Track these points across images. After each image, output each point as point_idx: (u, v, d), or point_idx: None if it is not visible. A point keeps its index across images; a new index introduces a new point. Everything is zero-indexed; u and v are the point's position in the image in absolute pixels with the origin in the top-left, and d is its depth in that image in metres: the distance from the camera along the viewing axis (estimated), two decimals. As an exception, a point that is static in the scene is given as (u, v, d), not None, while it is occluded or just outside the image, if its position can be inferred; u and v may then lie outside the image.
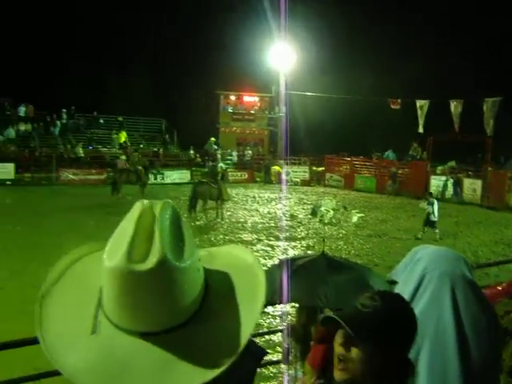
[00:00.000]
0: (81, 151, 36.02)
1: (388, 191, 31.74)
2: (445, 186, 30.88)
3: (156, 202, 1.34)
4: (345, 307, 4.07)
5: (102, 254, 1.30)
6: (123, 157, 29.74)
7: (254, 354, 1.57)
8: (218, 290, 1.38)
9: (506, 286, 4.98)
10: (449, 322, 2.22)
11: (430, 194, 22.78)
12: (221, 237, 18.12)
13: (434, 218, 19.32)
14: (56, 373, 3.98)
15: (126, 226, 1.29)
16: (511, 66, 40.76)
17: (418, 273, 2.35)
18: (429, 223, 19.36)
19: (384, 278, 4.58)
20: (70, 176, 33.06)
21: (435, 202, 19.80)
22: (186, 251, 1.29)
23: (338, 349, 1.73)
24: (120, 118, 41.92)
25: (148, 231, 1.27)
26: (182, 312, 1.29)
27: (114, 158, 35.45)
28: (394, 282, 2.59)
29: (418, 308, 2.27)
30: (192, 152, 40.20)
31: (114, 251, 1.26)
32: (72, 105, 40.50)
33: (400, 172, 35.12)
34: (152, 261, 1.23)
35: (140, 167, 27.05)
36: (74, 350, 1.28)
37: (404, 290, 2.37)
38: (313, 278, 4.42)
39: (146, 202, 1.34)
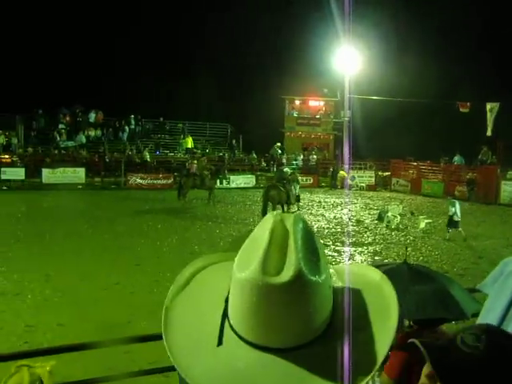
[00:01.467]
0: (148, 156, 36.69)
1: (469, 198, 30.87)
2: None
3: (287, 215, 1.32)
4: (425, 318, 4.03)
5: (229, 265, 1.31)
6: (195, 161, 30.13)
7: None
8: (347, 307, 1.35)
9: None
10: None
11: (453, 195, 23.27)
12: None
13: (458, 218, 19.73)
14: (129, 374, 4.05)
15: (259, 238, 1.28)
16: None
17: (510, 287, 2.28)
18: (452, 224, 19.79)
19: (464, 288, 4.49)
20: (138, 180, 33.75)
21: (457, 202, 20.14)
22: (319, 266, 1.28)
23: (424, 379, 1.58)
24: (180, 124, 42.49)
25: (281, 244, 1.25)
26: (313, 329, 1.27)
27: (181, 162, 36.00)
28: (475, 291, 2.50)
29: (511, 325, 2.21)
30: (255, 156, 40.40)
31: (246, 262, 1.26)
32: (140, 111, 41.34)
33: (468, 177, 34.35)
34: (288, 274, 1.21)
35: (206, 172, 27.29)
36: (199, 360, 1.28)
37: (496, 305, 2.31)
38: (394, 286, 4.34)
39: (277, 213, 1.33)
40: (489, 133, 34.63)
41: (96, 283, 11.99)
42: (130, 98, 42.26)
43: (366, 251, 16.97)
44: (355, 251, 16.92)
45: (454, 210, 19.76)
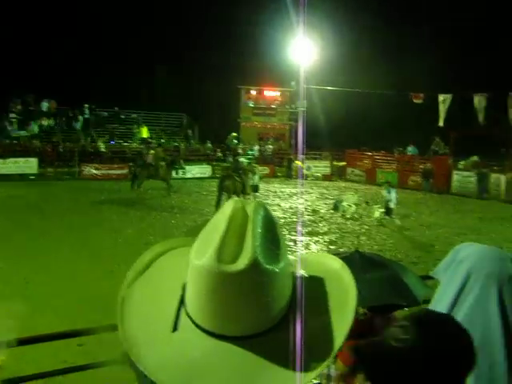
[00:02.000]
0: (102, 146, 36.23)
1: (425, 188, 31.25)
2: (468, 181, 30.63)
3: (249, 202, 1.32)
4: (378, 304, 4.08)
5: (187, 251, 1.29)
6: (152, 151, 29.86)
7: None
8: (307, 295, 1.34)
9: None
10: (496, 325, 2.17)
11: (388, 182, 23.49)
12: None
13: (393, 205, 20.50)
14: (84, 367, 4.01)
15: (217, 224, 1.27)
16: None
17: (462, 273, 2.30)
18: (387, 210, 20.49)
19: (417, 275, 4.57)
20: (93, 171, 33.30)
21: (393, 190, 20.89)
22: (278, 255, 1.27)
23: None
24: (134, 115, 42.02)
25: (239, 231, 1.24)
26: (270, 317, 1.27)
27: (136, 152, 35.68)
28: (428, 278, 2.53)
29: (462, 311, 2.23)
30: (210, 146, 40.29)
31: (202, 249, 1.24)
32: (94, 100, 40.73)
33: (421, 167, 34.91)
34: (243, 262, 1.20)
35: (162, 163, 27.05)
36: (154, 346, 1.26)
37: (447, 291, 2.33)
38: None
39: (238, 200, 1.32)
40: (441, 123, 35.18)
41: (49, 275, 11.82)
42: (83, 87, 41.56)
43: (321, 240, 17.11)
44: (311, 240, 17.04)
45: (390, 196, 20.45)
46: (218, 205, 21.13)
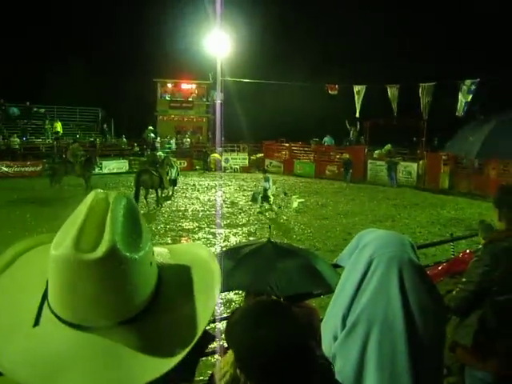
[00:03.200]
0: (15, 142, 35.03)
1: (347, 180, 31.54)
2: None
3: (111, 193, 1.30)
4: (292, 293, 4.12)
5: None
6: (70, 147, 29.10)
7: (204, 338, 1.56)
8: (174, 284, 1.36)
9: (446, 265, 5.13)
10: (397, 306, 2.24)
11: (265, 170, 24.55)
12: (161, 226, 17.95)
13: (270, 193, 21.25)
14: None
15: (77, 215, 1.25)
16: (444, 51, 41.71)
17: (365, 258, 2.36)
18: (265, 198, 21.12)
19: (329, 262, 4.64)
20: (4, 168, 32.12)
21: (270, 178, 21.72)
22: (138, 243, 1.26)
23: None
24: (42, 110, 40.78)
25: (99, 220, 1.22)
26: (132, 306, 1.25)
27: (50, 148, 34.77)
28: (338, 266, 2.60)
29: (365, 295, 2.30)
30: (125, 140, 39.73)
31: (61, 240, 1.21)
32: (3, 94, 39.30)
33: (338, 157, 35.61)
34: (101, 250, 1.18)
35: (80, 159, 26.36)
36: (12, 343, 1.21)
37: (351, 276, 2.38)
38: (261, 264, 4.40)
39: (100, 191, 1.31)
40: (357, 114, 35.88)
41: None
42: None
43: (240, 232, 17.18)
44: (230, 233, 17.08)
45: (267, 185, 21.09)
46: (136, 200, 20.84)
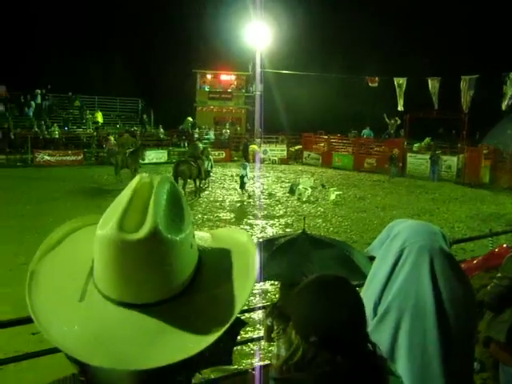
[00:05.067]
0: (56, 132, 35.61)
1: (391, 175, 30.86)
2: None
3: (155, 176, 1.34)
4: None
5: None
6: (112, 137, 29.28)
7: (237, 322, 1.61)
8: (213, 266, 1.41)
9: (481, 259, 5.08)
10: (428, 295, 2.26)
11: (245, 157, 25.04)
12: (199, 216, 18.10)
13: (247, 180, 22.36)
14: (36, 354, 3.95)
15: (122, 198, 1.30)
16: (487, 44, 41.01)
17: (396, 247, 2.38)
18: (242, 184, 22.23)
19: (364, 254, 4.65)
20: (46, 157, 32.68)
21: (248, 165, 22.61)
22: (180, 226, 1.30)
23: None
24: (77, 102, 41.01)
25: (144, 203, 1.27)
26: (173, 285, 1.30)
27: (90, 138, 35.26)
28: (373, 258, 2.62)
29: (396, 283, 2.32)
30: (162, 130, 40.05)
31: (107, 220, 1.27)
32: (46, 85, 39.97)
33: (376, 149, 35.37)
34: (143, 231, 1.23)
35: (128, 150, 26.25)
36: (60, 316, 1.28)
37: (382, 265, 2.41)
38: (296, 255, 4.46)
39: (145, 175, 1.35)
40: (400, 107, 35.48)
41: (2, 264, 11.68)
42: (35, 71, 40.76)
43: (277, 223, 17.24)
44: (267, 224, 17.15)
45: (244, 172, 21.89)
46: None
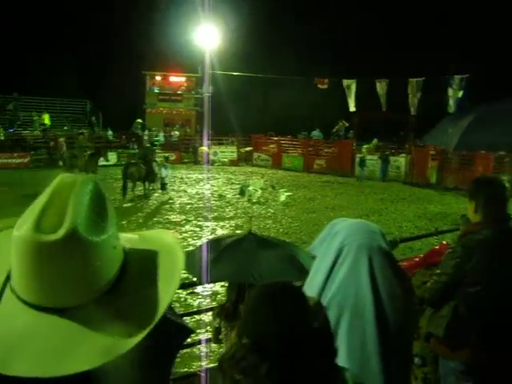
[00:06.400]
0: (1, 134, 34.72)
1: (359, 177, 31.06)
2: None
3: (78, 176, 1.32)
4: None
5: None
6: (62, 139, 28.62)
7: (181, 331, 1.59)
8: (139, 267, 1.39)
9: (422, 257, 5.19)
10: (366, 292, 2.29)
11: (166, 158, 24.89)
12: (149, 218, 17.97)
13: (167, 180, 22.73)
14: None
15: (41, 198, 1.27)
16: (433, 47, 41.79)
17: (336, 246, 2.41)
18: (163, 185, 22.46)
19: (309, 253, 4.69)
20: (-10, 159, 31.85)
21: (168, 166, 23.01)
22: (101, 227, 1.27)
23: None
24: (11, 106, 40.03)
25: (63, 203, 1.24)
26: (94, 288, 1.27)
27: (37, 140, 34.57)
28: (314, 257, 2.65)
29: (336, 280, 2.34)
30: (111, 132, 39.61)
31: (24, 221, 1.23)
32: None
33: (326, 151, 35.72)
34: (61, 232, 1.19)
35: (86, 152, 25.57)
36: None
37: (322, 263, 2.43)
38: (242, 255, 4.48)
39: (67, 175, 1.33)
40: (352, 108, 35.69)
41: None
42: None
43: (227, 225, 17.22)
44: (217, 225, 17.12)
45: (165, 172, 22.21)
46: (124, 192, 20.89)
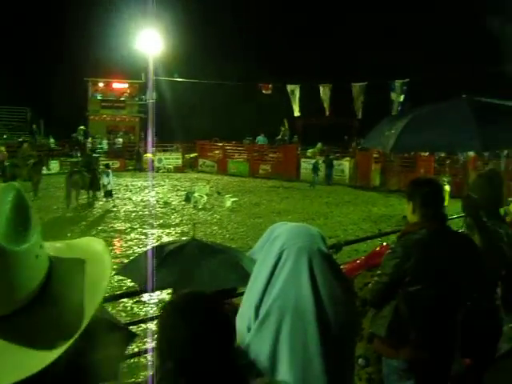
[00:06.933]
0: None
1: (312, 183, 30.60)
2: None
3: (2, 185, 1.29)
4: (217, 288, 4.17)
5: None
6: (2, 148, 27.96)
7: (124, 337, 1.58)
8: (64, 277, 1.35)
9: (364, 259, 5.26)
10: (307, 295, 2.30)
11: (107, 165, 24.32)
12: (93, 227, 17.71)
13: (110, 187, 22.08)
14: None
15: None
16: (374, 53, 42.47)
17: (276, 250, 2.41)
18: (106, 193, 22.00)
19: (254, 259, 4.70)
20: None
21: (110, 172, 22.34)
22: (23, 236, 1.24)
23: None
24: None
25: None
26: (15, 299, 1.24)
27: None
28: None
29: (277, 283, 2.35)
30: (53, 140, 38.95)
31: None
32: None
33: (271, 156, 35.92)
34: None
35: (29, 161, 24.82)
36: None
37: (263, 267, 2.44)
38: (186, 262, 4.45)
39: None
40: (296, 113, 36.06)
41: None
42: None
43: (173, 232, 17.12)
44: (163, 233, 17.01)
45: (107, 180, 21.77)
46: (67, 201, 20.54)
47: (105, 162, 25.27)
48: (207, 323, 1.84)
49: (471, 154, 19.47)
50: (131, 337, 1.72)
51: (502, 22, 26.71)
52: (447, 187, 19.51)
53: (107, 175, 21.86)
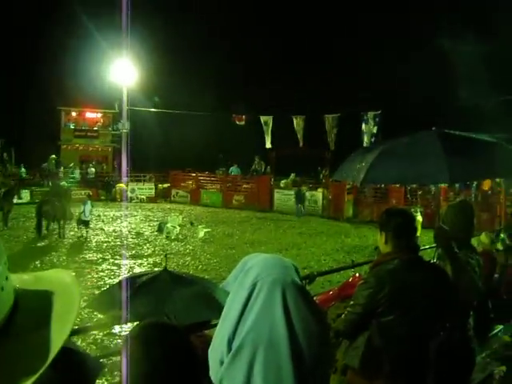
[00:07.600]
0: None
1: (298, 213, 30.93)
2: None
3: None
4: (190, 322, 4.11)
5: None
6: None
7: (91, 370, 1.54)
8: (30, 310, 1.32)
9: (337, 290, 5.27)
10: (281, 327, 2.28)
11: (89, 195, 24.61)
12: (64, 257, 17.51)
13: (85, 217, 21.28)
14: None
15: None
16: (347, 86, 43.04)
17: (249, 281, 2.39)
18: (82, 222, 21.28)
19: (226, 291, 4.65)
20: None
21: (88, 203, 21.59)
22: None
23: None
24: None
25: None
26: None
27: None
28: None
29: (251, 316, 2.33)
30: (24, 169, 38.60)
31: None
32: None
33: (245, 186, 36.00)
34: None
35: (1, 190, 24.50)
36: None
37: (236, 299, 2.41)
38: (157, 294, 4.40)
39: None
40: (268, 145, 36.27)
41: None
42: None
43: (145, 263, 16.99)
44: (135, 263, 16.88)
45: (82, 208, 21.21)
46: (38, 230, 20.34)
47: (82, 192, 24.89)
48: (167, 353, 1.81)
49: (442, 184, 19.75)
50: (99, 368, 1.68)
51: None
52: (419, 217, 19.72)
53: (86, 204, 21.45)
